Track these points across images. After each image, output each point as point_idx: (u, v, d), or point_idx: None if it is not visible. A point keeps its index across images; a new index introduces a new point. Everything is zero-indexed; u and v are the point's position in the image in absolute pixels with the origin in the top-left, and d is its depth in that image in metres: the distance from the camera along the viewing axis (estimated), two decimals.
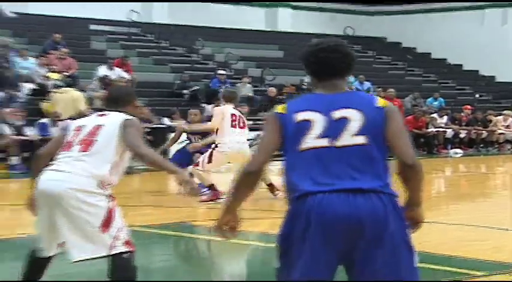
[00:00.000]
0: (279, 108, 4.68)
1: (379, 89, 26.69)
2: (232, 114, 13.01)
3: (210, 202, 12.86)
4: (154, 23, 31.63)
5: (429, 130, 25.94)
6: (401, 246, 4.56)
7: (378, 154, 4.57)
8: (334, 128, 4.53)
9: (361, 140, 4.52)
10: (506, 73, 32.68)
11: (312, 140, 4.53)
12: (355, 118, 4.54)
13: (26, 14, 28.21)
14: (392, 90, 26.51)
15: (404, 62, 35.98)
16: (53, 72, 23.22)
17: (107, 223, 6.13)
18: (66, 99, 19.79)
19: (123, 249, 6.15)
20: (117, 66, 24.55)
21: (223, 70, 26.81)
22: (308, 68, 4.85)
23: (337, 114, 4.55)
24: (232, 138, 13.14)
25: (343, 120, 4.52)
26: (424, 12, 37.09)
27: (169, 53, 30.08)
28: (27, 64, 23.36)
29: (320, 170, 4.50)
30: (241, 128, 13.26)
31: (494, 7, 35.83)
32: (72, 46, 25.53)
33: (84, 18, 29.26)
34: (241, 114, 13.42)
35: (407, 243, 4.56)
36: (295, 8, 36.18)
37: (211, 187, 13.17)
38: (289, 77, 28.76)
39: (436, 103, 28.76)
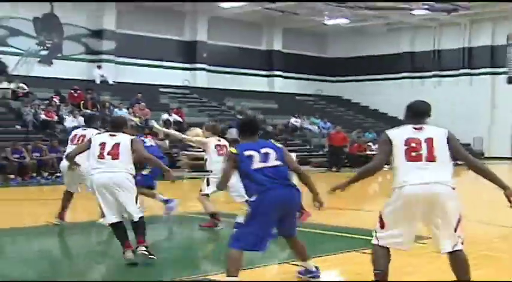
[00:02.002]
0: (233, 150, 5.66)
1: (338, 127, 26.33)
2: (217, 145, 9.23)
3: (209, 228, 9.35)
4: (198, 87, 31.69)
5: (368, 152, 25.60)
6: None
7: (286, 170, 5.67)
8: (264, 157, 5.58)
9: (278, 162, 5.61)
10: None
11: (256, 164, 5.55)
12: (272, 152, 5.61)
13: (120, 82, 28.33)
14: (339, 127, 26.20)
15: (353, 111, 35.93)
16: (136, 117, 23.68)
17: (136, 198, 6.89)
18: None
19: (141, 214, 6.85)
20: (175, 113, 25.34)
21: (241, 115, 27.39)
22: (241, 129, 5.93)
23: (263, 150, 5.61)
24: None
25: (267, 154, 5.61)
26: (365, 80, 37.13)
27: (207, 105, 30.10)
28: (121, 112, 23.56)
29: (265, 177, 5.50)
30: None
31: (408, 78, 36.11)
32: (148, 101, 25.78)
33: (155, 84, 29.30)
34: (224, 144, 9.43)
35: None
36: (285, 77, 36.18)
37: (212, 215, 9.39)
38: (281, 120, 29.45)
39: (371, 136, 28.62)
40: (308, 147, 28.66)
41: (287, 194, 5.56)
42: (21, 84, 23.63)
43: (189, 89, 31.33)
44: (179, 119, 25.00)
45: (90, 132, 9.14)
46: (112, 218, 6.87)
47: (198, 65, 32.38)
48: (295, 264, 6.34)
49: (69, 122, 21.59)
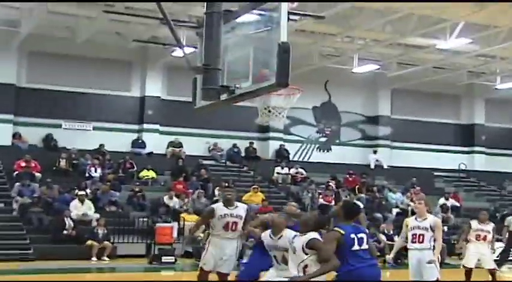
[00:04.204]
0: (340, 230, 5.87)
1: None
2: None
3: None
4: (476, 170, 29.34)
5: None
6: None
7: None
8: (360, 241, 5.91)
9: (367, 246, 5.98)
10: None
11: (355, 246, 5.90)
12: (365, 237, 5.98)
13: (394, 166, 27.30)
14: None
15: None
16: (411, 201, 22.32)
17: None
18: None
19: None
20: (452, 198, 23.57)
21: None
22: (349, 212, 6.19)
23: (359, 235, 5.92)
24: None
25: (362, 238, 5.93)
26: None
27: (485, 190, 27.99)
28: (395, 196, 23.12)
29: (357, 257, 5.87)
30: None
31: None
32: (422, 185, 24.25)
33: (429, 168, 27.85)
34: None
35: None
36: None
37: None
38: None
39: None
40: None
41: (373, 272, 5.95)
42: (299, 170, 24.01)
43: (466, 172, 29.29)
44: (456, 203, 23.19)
45: None
46: None
47: (476, 148, 30.23)
48: None
49: None
